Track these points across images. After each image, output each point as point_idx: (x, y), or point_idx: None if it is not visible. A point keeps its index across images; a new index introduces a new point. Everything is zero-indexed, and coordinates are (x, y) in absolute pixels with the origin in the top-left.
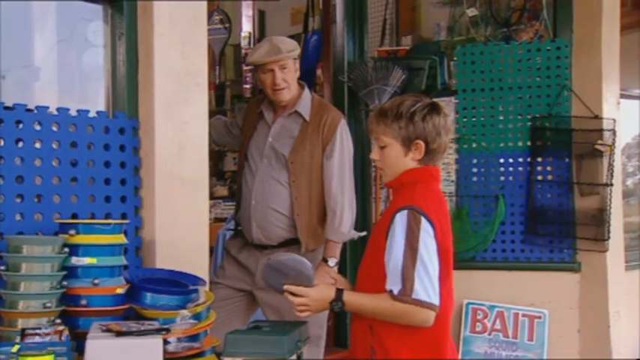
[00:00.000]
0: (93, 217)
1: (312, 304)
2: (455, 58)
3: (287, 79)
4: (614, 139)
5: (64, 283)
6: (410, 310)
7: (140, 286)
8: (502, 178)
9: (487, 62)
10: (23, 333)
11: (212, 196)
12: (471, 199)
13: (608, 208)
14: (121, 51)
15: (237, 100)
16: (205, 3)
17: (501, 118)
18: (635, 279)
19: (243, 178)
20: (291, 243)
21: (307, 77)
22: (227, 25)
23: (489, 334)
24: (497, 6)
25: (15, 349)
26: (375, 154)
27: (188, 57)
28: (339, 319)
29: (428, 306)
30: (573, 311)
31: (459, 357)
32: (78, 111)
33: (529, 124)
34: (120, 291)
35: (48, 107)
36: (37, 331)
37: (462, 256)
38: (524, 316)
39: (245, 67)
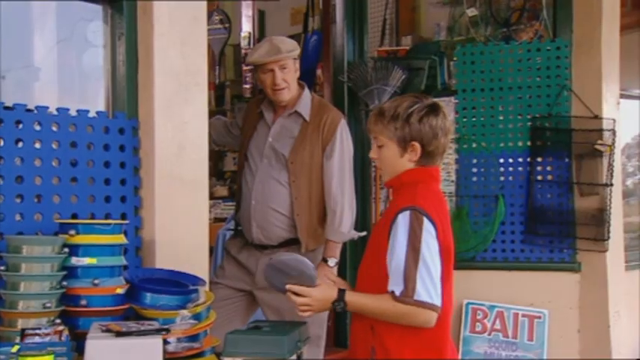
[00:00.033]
0: (93, 217)
1: (314, 304)
2: (455, 58)
3: (287, 79)
4: (613, 139)
5: (64, 283)
6: (412, 311)
7: (140, 286)
8: (502, 178)
9: (487, 62)
10: (23, 333)
11: (212, 196)
12: (471, 199)
13: (608, 208)
14: (120, 51)
15: (237, 100)
16: (205, 3)
17: (501, 118)
18: (635, 279)
19: (243, 178)
20: (291, 243)
21: (307, 77)
22: (227, 25)
23: (489, 334)
24: (497, 6)
25: (15, 349)
26: (373, 153)
27: (188, 57)
28: (339, 319)
29: (430, 307)
30: (573, 311)
31: (459, 357)
32: (78, 111)
33: (529, 124)
34: (120, 291)
35: (48, 107)
36: (37, 331)
37: (462, 256)
38: (524, 316)
39: (245, 67)
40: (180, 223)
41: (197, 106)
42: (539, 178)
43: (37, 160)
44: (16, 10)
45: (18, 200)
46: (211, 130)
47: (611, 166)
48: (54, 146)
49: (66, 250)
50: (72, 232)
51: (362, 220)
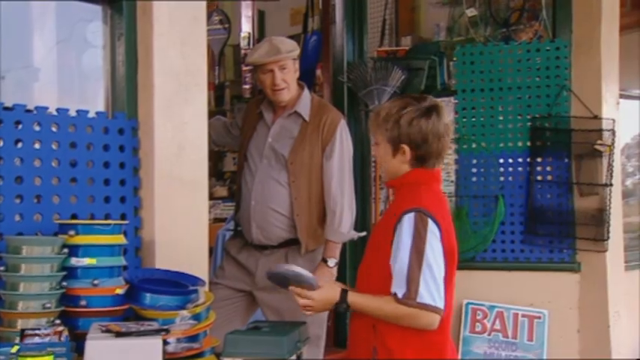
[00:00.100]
0: (92, 217)
1: (316, 305)
2: (454, 59)
3: (286, 80)
4: (613, 139)
5: (64, 283)
6: (414, 314)
7: (139, 286)
8: (502, 179)
9: (486, 62)
10: (23, 333)
11: (211, 197)
12: (471, 200)
13: (607, 208)
14: (120, 51)
15: (237, 100)
16: (205, 3)
17: (501, 118)
18: (635, 279)
19: (242, 178)
20: (291, 243)
21: (307, 77)
22: (226, 25)
23: (489, 335)
24: (497, 6)
25: (14, 349)
26: (373, 150)
27: (188, 57)
28: (339, 319)
29: (433, 309)
30: (573, 311)
31: (459, 357)
32: (77, 111)
33: (528, 124)
34: (119, 291)
35: (47, 108)
36: (37, 331)
37: (462, 256)
38: (523, 316)
39: (244, 68)
40: (179, 224)
41: (197, 106)
42: (539, 178)
43: (36, 160)
44: (15, 11)
45: (17, 201)
46: (211, 130)
47: (610, 166)
48: (53, 147)
49: (65, 250)
50: (71, 232)
51: (362, 221)
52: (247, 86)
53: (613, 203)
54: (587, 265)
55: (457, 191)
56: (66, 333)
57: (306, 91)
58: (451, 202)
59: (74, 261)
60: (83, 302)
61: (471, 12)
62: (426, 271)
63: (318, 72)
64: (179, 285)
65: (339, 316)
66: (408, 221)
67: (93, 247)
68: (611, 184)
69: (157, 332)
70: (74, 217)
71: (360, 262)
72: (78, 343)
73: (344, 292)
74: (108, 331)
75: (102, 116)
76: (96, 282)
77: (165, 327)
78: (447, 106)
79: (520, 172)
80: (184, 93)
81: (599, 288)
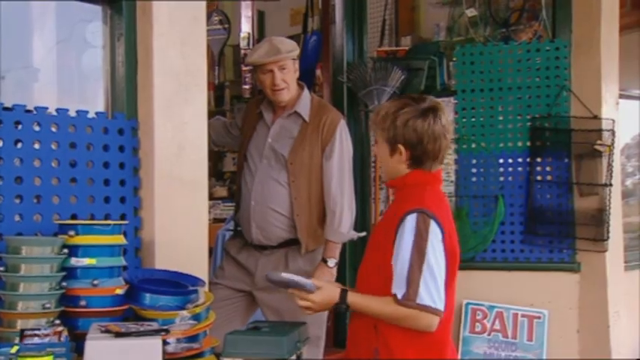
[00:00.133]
0: (92, 217)
1: (315, 306)
2: (454, 59)
3: (286, 80)
4: (613, 140)
5: (64, 283)
6: (414, 315)
7: (139, 286)
8: (501, 179)
9: (486, 63)
10: (22, 334)
11: (211, 197)
12: (471, 200)
13: (607, 208)
14: (120, 51)
15: (237, 100)
16: (205, 3)
17: (501, 118)
18: (635, 279)
19: (242, 178)
20: (291, 243)
21: (306, 78)
22: (226, 25)
23: (489, 335)
24: (497, 6)
25: (14, 349)
26: (374, 149)
27: (187, 57)
28: (339, 319)
29: (432, 311)
30: (573, 311)
31: (459, 357)
32: (77, 112)
33: (528, 124)
34: (119, 292)
35: (47, 108)
36: (37, 331)
37: (462, 257)
38: (523, 316)
39: (244, 68)
40: (179, 224)
41: (197, 106)
42: (539, 178)
43: (36, 160)
44: (15, 11)
45: (17, 201)
46: (211, 130)
47: (610, 166)
48: (53, 147)
49: (65, 250)
50: (71, 232)
51: (361, 221)
52: (247, 86)
53: (613, 203)
54: (587, 265)
55: (457, 191)
56: (66, 333)
57: (305, 92)
58: (451, 202)
59: (74, 261)
60: (83, 302)
61: (470, 12)
62: (426, 272)
63: (318, 72)
64: (179, 285)
65: (339, 316)
66: (410, 222)
67: (93, 248)
68: (610, 184)
69: (156, 332)
70: (74, 217)
71: (360, 262)
72: (78, 343)
73: (343, 293)
74: (107, 331)
75: (102, 116)
76: (96, 282)
77: (165, 327)
78: (447, 106)
79: (520, 172)
80: (184, 93)
81: (599, 288)
